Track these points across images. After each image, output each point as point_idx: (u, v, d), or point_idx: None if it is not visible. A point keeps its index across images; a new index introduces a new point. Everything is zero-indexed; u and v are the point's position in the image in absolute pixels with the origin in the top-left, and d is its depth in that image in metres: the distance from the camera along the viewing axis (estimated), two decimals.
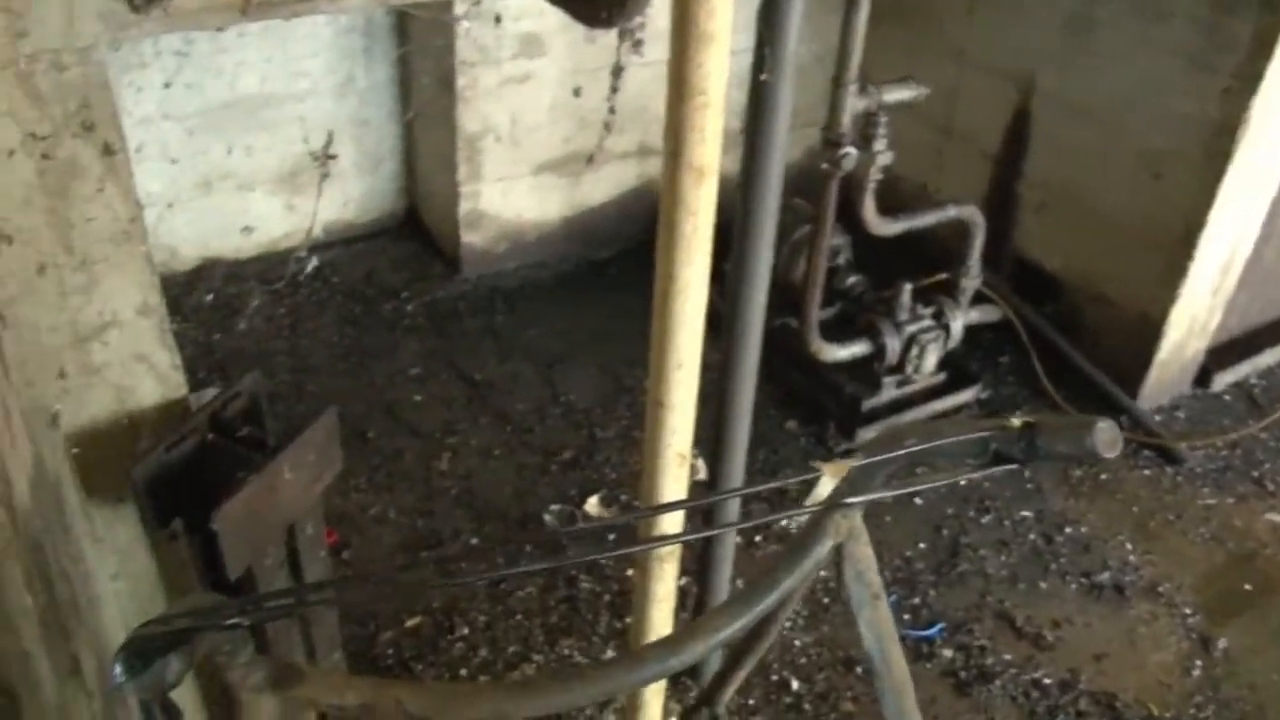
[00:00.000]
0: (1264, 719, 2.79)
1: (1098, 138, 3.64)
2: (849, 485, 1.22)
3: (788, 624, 2.87)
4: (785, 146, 1.88)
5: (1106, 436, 0.90)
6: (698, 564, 2.39)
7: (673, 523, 1.78)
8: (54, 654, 1.13)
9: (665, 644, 1.13)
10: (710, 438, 2.20)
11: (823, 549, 1.22)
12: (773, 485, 1.46)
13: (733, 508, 2.01)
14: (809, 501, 0.99)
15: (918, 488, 0.94)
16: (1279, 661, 2.94)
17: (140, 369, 1.89)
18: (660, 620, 1.91)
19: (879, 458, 1.03)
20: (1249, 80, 3.18)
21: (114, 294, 1.74)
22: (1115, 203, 3.62)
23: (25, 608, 1.04)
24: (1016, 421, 0.94)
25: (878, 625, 1.25)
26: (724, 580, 2.43)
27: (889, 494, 1.02)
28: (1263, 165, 3.37)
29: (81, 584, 1.63)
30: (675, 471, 1.71)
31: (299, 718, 1.85)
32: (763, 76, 1.79)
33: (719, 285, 1.83)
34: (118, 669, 0.75)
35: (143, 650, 0.75)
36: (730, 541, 2.08)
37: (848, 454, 3.34)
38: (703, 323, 1.58)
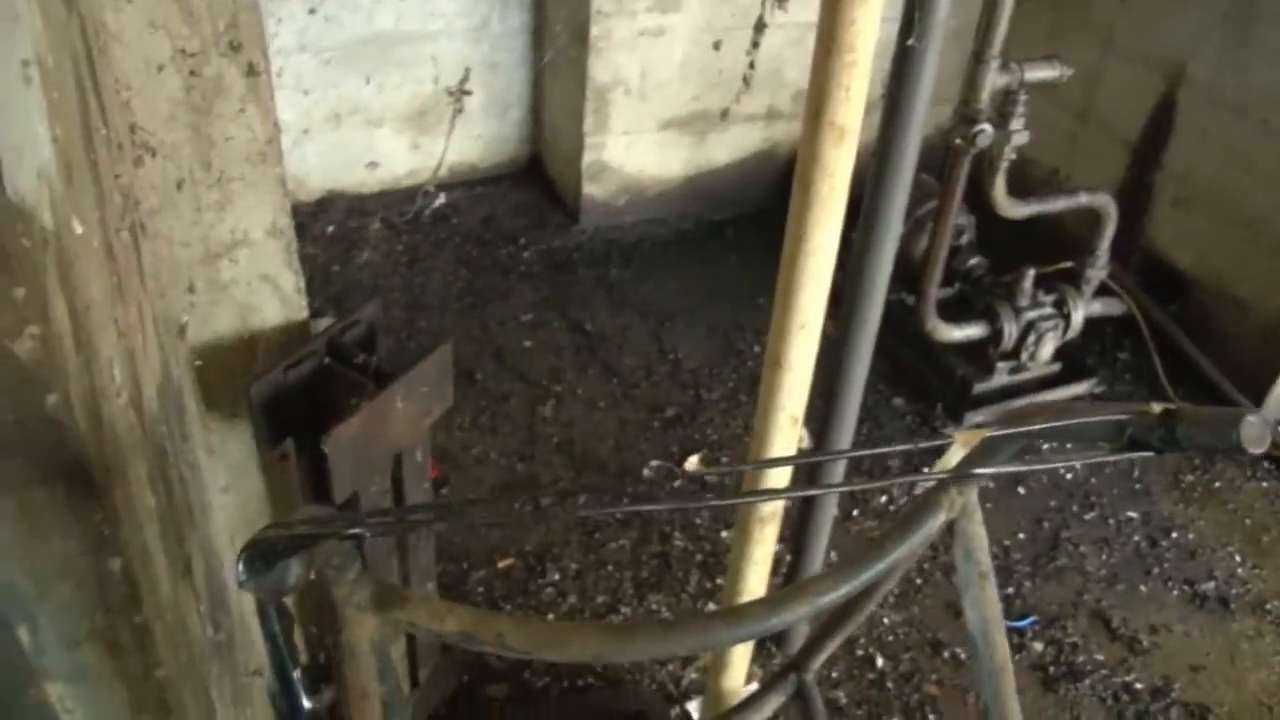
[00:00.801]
0: None
1: (1248, 134, 3.50)
2: (969, 460, 1.20)
3: (878, 608, 2.84)
4: (925, 117, 1.84)
5: (1255, 431, 0.86)
6: (794, 531, 2.37)
7: (778, 483, 1.77)
8: (170, 554, 1.16)
9: (767, 603, 1.12)
10: (819, 407, 2.18)
11: (935, 523, 1.20)
12: (895, 450, 1.44)
13: (837, 473, 1.98)
14: (937, 467, 0.97)
15: (1047, 466, 0.91)
16: None
17: (265, 289, 1.93)
18: (755, 583, 1.91)
19: (1012, 430, 1.00)
20: None
21: (246, 213, 1.77)
22: (1260, 203, 3.49)
23: (149, 507, 1.07)
24: (1157, 408, 0.90)
25: (983, 606, 1.22)
26: (820, 549, 2.40)
27: (1019, 468, 0.99)
28: None
29: (196, 492, 1.68)
30: (786, 434, 1.69)
31: (389, 641, 1.89)
32: (910, 41, 1.75)
33: (843, 254, 1.81)
34: (241, 568, 0.77)
35: (265, 552, 0.77)
36: (830, 509, 2.06)
37: (979, 426, 3.29)
38: (828, 286, 1.56)
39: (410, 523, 1.49)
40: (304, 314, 2.00)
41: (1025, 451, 1.03)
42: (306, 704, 0.99)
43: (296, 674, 0.98)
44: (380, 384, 1.86)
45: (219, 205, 1.75)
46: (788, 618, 1.13)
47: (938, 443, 0.96)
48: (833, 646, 1.64)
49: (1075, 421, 0.97)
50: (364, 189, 4.23)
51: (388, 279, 3.84)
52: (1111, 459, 0.94)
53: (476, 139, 4.32)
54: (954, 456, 0.97)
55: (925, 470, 1.06)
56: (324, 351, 1.90)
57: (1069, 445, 2.43)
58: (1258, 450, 0.86)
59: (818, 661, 1.68)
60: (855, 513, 3.07)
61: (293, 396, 1.84)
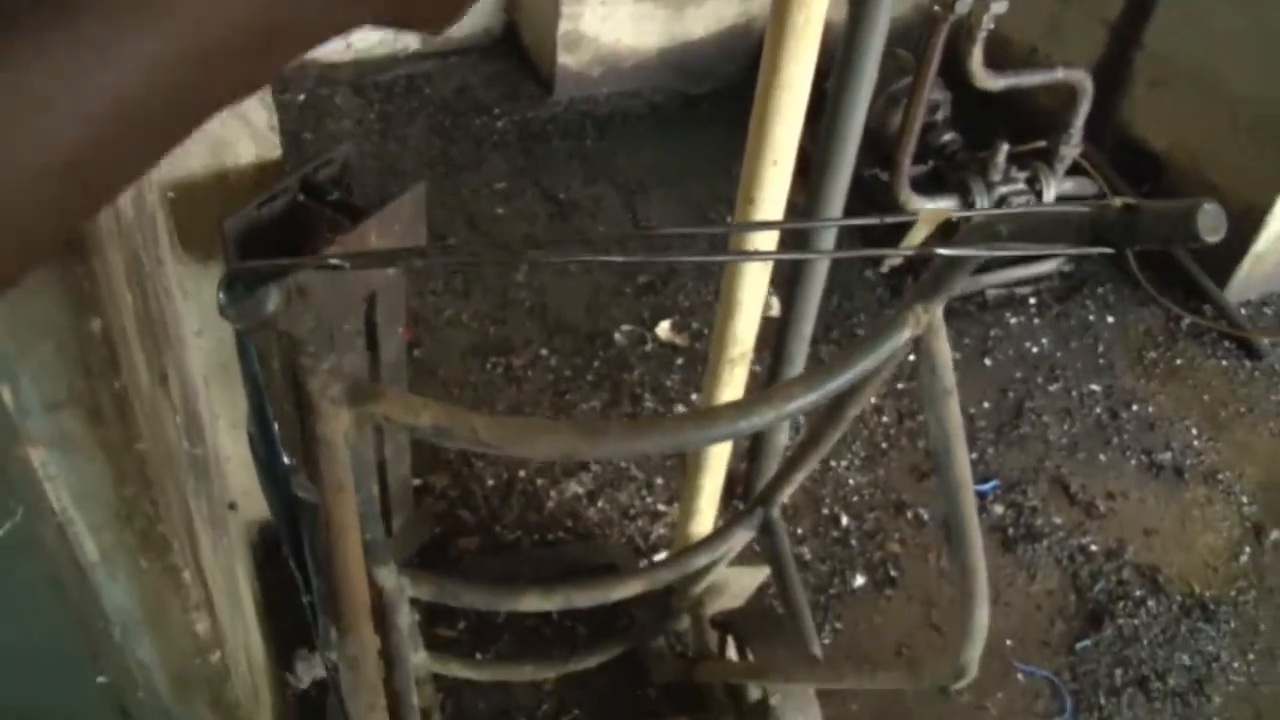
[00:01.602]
0: None
1: (1232, 16, 3.48)
2: (936, 276, 1.22)
3: (844, 463, 2.90)
4: None
5: (1211, 220, 0.89)
6: (772, 352, 2.34)
7: (749, 323, 1.79)
8: (147, 352, 1.18)
9: (737, 406, 1.14)
10: (788, 271, 2.19)
11: (900, 338, 1.23)
12: (863, 221, 1.46)
13: (817, 281, 1.96)
14: (904, 245, 0.99)
15: (1011, 251, 0.93)
16: None
17: (237, 125, 1.92)
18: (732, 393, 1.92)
19: (972, 214, 1.02)
20: None
21: None
22: (1241, 86, 3.49)
23: (126, 300, 1.08)
24: (1118, 202, 0.92)
25: (946, 420, 1.26)
26: (798, 368, 2.34)
27: (982, 251, 1.01)
28: None
29: (172, 319, 1.69)
30: (756, 275, 1.71)
31: (362, 439, 1.92)
32: None
33: (812, 127, 1.80)
34: (222, 295, 0.78)
35: (245, 278, 0.78)
36: (805, 333, 2.06)
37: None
38: (802, 123, 1.57)
39: (392, 255, 1.50)
40: (277, 152, 1.99)
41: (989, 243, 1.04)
42: (286, 459, 1.01)
43: (278, 428, 1.00)
44: (355, 221, 1.86)
45: None
46: (756, 421, 1.16)
47: (904, 218, 0.98)
48: (798, 481, 1.68)
49: (1039, 211, 0.99)
50: (336, 58, 4.17)
51: (360, 147, 3.80)
52: (1074, 253, 0.96)
53: None
54: (917, 235, 0.99)
55: (900, 248, 1.07)
56: (298, 188, 1.90)
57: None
58: (1214, 238, 0.88)
59: (783, 496, 1.72)
60: (832, 332, 3.11)
61: (266, 232, 1.85)
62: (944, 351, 1.24)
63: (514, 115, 4.03)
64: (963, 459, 1.25)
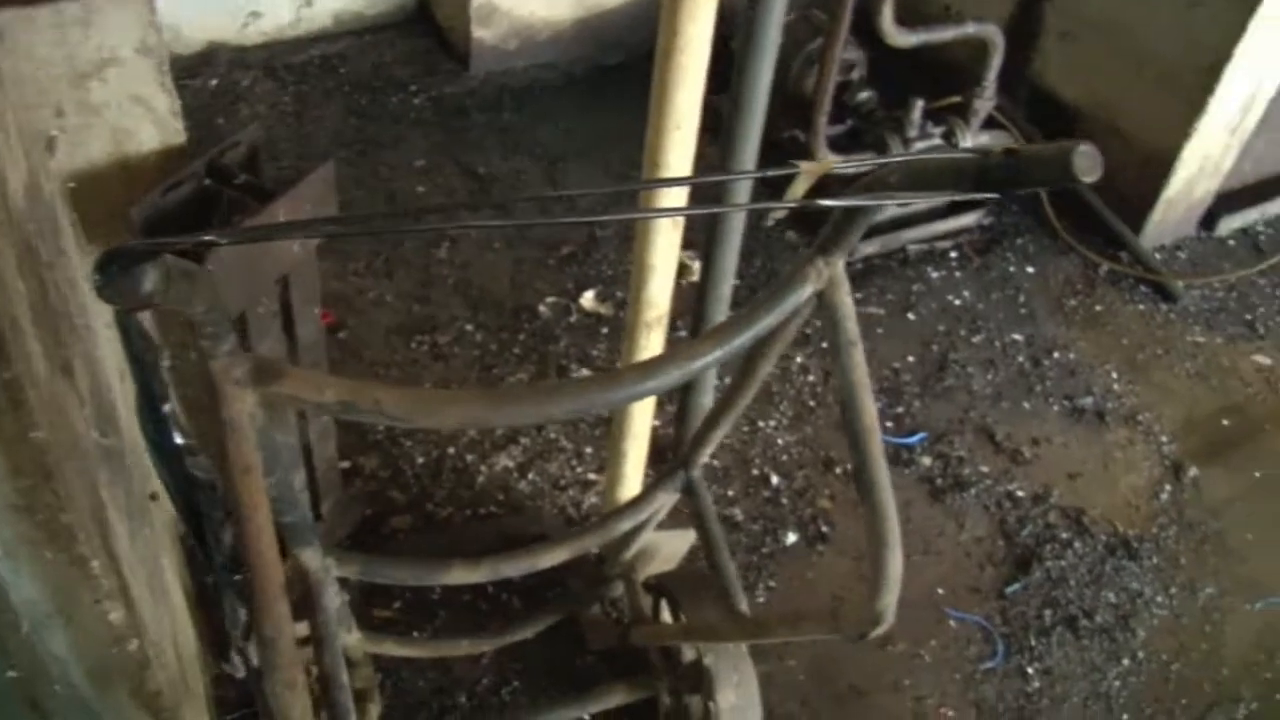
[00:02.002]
0: (1222, 542, 2.88)
1: None
2: (834, 229, 1.23)
3: (771, 423, 2.93)
4: None
5: (1086, 161, 0.90)
6: (696, 302, 2.34)
7: (663, 286, 1.80)
8: (44, 344, 1.16)
9: (641, 368, 1.15)
10: (706, 232, 2.20)
11: (803, 293, 1.24)
12: (745, 175, 1.47)
13: (731, 241, 1.97)
14: (787, 197, 0.99)
15: (895, 200, 0.94)
16: (1244, 491, 3.02)
17: (138, 111, 1.88)
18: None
19: (854, 161, 1.03)
20: None
21: (113, 30, 1.72)
22: (1145, 34, 3.54)
23: (18, 290, 1.06)
24: (999, 148, 0.94)
25: (851, 371, 1.28)
26: (723, 301, 2.33)
27: (867, 201, 1.02)
28: None
29: (78, 310, 1.66)
30: (668, 234, 1.72)
31: (279, 420, 1.91)
32: None
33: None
34: (96, 275, 0.77)
35: (121, 258, 0.77)
36: (725, 294, 2.07)
37: (845, 266, 3.36)
38: (702, 85, 1.57)
39: (266, 231, 1.47)
40: (181, 138, 1.96)
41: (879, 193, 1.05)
42: (179, 439, 1.01)
43: (168, 408, 0.99)
44: (263, 203, 1.84)
45: (82, 21, 1.69)
46: (663, 381, 1.17)
47: (785, 170, 0.99)
48: (716, 440, 1.69)
49: (926, 158, 1.00)
50: (247, 40, 4.10)
51: (275, 130, 3.75)
52: (960, 197, 0.97)
53: None
54: (799, 188, 1.00)
55: (784, 200, 1.08)
56: (204, 173, 1.88)
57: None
58: (1090, 178, 0.90)
59: (703, 457, 1.74)
60: None
61: (174, 218, 1.82)
62: (846, 304, 1.25)
63: (431, 91, 3.99)
64: (869, 409, 1.27)
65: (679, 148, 1.61)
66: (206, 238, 0.81)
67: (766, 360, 1.46)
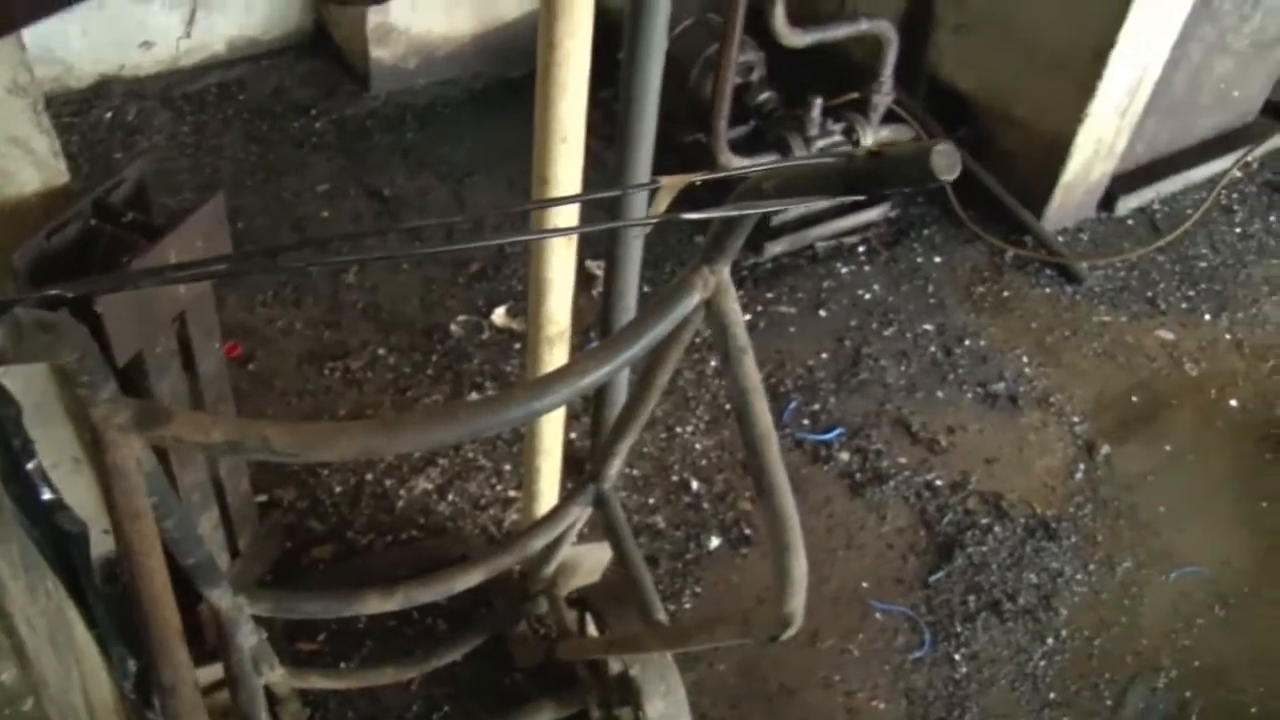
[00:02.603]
0: (1136, 516, 2.94)
1: None
2: (716, 238, 1.24)
3: (688, 429, 2.94)
4: None
5: (944, 160, 0.92)
6: (602, 314, 2.34)
7: (562, 300, 1.79)
8: None
9: (529, 388, 1.15)
10: (607, 244, 2.20)
11: (690, 302, 1.25)
12: (607, 195, 1.47)
13: (631, 254, 1.98)
14: (650, 212, 1.00)
15: (764, 209, 0.95)
16: (1155, 465, 3.09)
17: (16, 153, 1.84)
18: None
19: (716, 174, 1.04)
20: None
21: None
22: (1032, 23, 3.61)
23: None
24: (862, 152, 0.95)
25: (743, 378, 1.28)
26: (628, 312, 2.32)
27: (732, 211, 1.03)
28: None
29: None
30: (562, 253, 1.72)
31: (185, 460, 1.87)
32: None
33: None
34: None
35: None
36: (631, 278, 2.07)
37: (755, 266, 3.38)
38: (586, 96, 1.57)
39: (116, 279, 1.42)
40: (64, 179, 1.91)
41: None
42: (46, 494, 0.98)
43: (32, 465, 0.97)
44: (153, 241, 1.80)
45: None
46: (552, 400, 1.16)
47: (644, 186, 0.99)
48: (624, 452, 1.69)
49: (795, 165, 1.01)
50: (141, 71, 4.03)
51: (175, 161, 3.69)
52: (829, 202, 0.98)
53: (255, 12, 4.14)
54: (661, 202, 1.00)
55: (647, 216, 1.09)
56: (90, 213, 1.84)
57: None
58: (949, 176, 0.92)
59: (612, 469, 1.74)
60: None
61: (61, 262, 1.78)
62: (734, 310, 1.26)
63: (332, 114, 3.95)
64: (763, 414, 1.28)
65: (566, 160, 1.61)
66: (53, 290, 0.79)
67: (663, 369, 1.47)
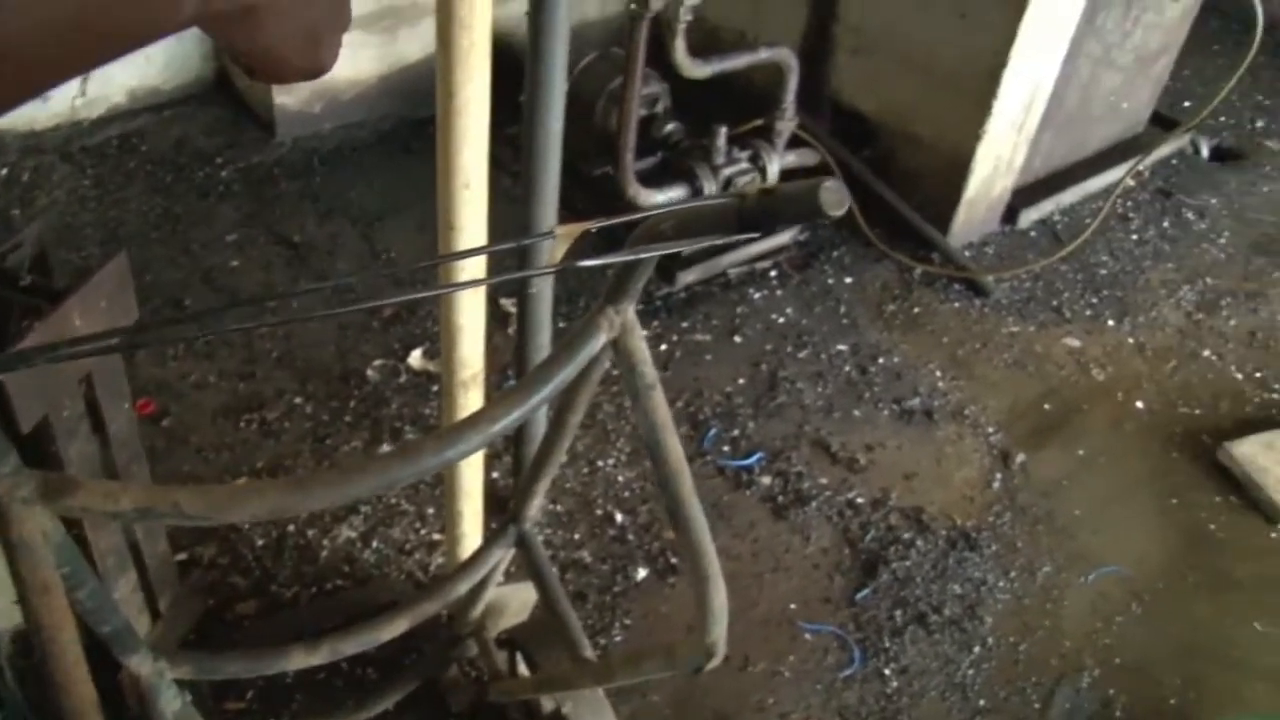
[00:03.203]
0: (1053, 521, 3.01)
1: None
2: (619, 282, 1.26)
3: (610, 461, 2.95)
4: None
5: (832, 196, 0.94)
6: (516, 355, 2.35)
7: (474, 344, 1.80)
8: None
9: (440, 437, 1.15)
10: (518, 285, 2.21)
11: (596, 343, 1.26)
12: (503, 248, 1.47)
13: (541, 296, 2.00)
14: (549, 260, 1.01)
15: (659, 251, 0.97)
16: (1069, 470, 3.17)
17: None
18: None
19: (611, 221, 1.06)
20: None
21: None
22: (926, 44, 3.70)
23: None
24: (754, 190, 0.98)
25: (653, 414, 1.30)
26: (542, 350, 2.33)
27: (627, 257, 1.05)
28: (1060, 6, 3.48)
29: None
30: (472, 299, 1.72)
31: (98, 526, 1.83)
32: None
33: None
34: None
35: None
36: (543, 320, 2.08)
37: (669, 296, 3.40)
38: (487, 142, 1.59)
39: (6, 361, 1.34)
40: None
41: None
42: None
43: None
44: (54, 304, 1.78)
45: None
46: (463, 448, 1.17)
47: (540, 237, 1.00)
48: (542, 491, 1.70)
49: (691, 206, 1.03)
50: (37, 124, 3.96)
51: (77, 217, 3.63)
52: (725, 240, 1.01)
53: (155, 62, 4.09)
54: (559, 251, 1.02)
55: (543, 266, 1.10)
56: None
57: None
58: (837, 212, 0.94)
59: (532, 509, 1.74)
60: None
61: None
62: (641, 349, 1.28)
63: (238, 162, 3.92)
64: (675, 449, 1.29)
65: (470, 206, 1.62)
66: None
67: (576, 410, 1.48)
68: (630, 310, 1.26)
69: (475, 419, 1.18)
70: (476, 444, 1.16)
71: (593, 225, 1.02)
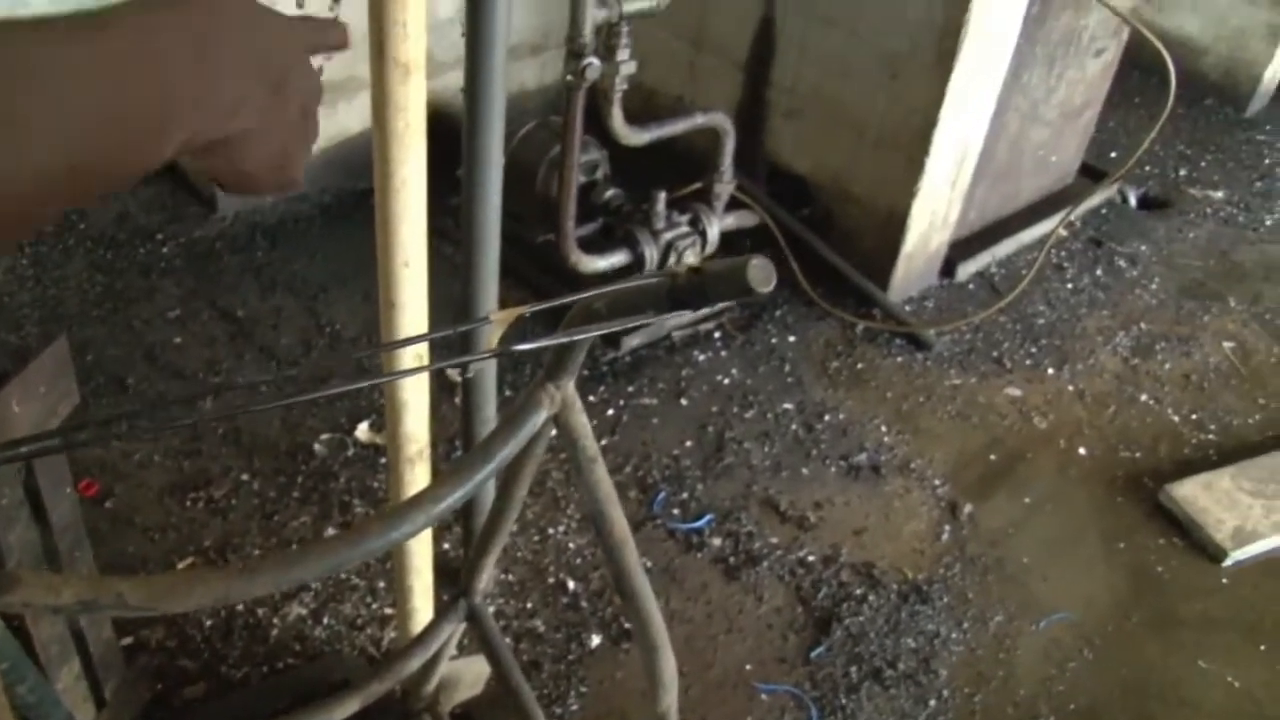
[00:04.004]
0: (1002, 570, 3.04)
1: (840, 42, 3.77)
2: (558, 359, 1.27)
3: (561, 529, 2.95)
4: (505, 44, 1.89)
5: (759, 274, 0.97)
6: (463, 429, 2.36)
7: (419, 420, 1.81)
8: None
9: (383, 519, 1.16)
10: (460, 337, 2.21)
11: (537, 419, 1.27)
12: (438, 334, 1.49)
13: (485, 373, 2.01)
14: (484, 347, 1.02)
15: (595, 333, 0.99)
16: (1016, 518, 3.21)
17: None
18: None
19: (545, 305, 1.08)
20: None
21: None
22: (858, 105, 3.78)
23: None
24: (683, 269, 1.00)
25: (596, 488, 1.31)
26: (489, 423, 2.35)
27: (560, 339, 1.07)
28: (986, 65, 3.57)
29: None
30: (416, 364, 1.73)
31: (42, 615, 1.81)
32: None
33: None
34: None
35: None
36: (488, 394, 2.09)
37: (614, 361, 3.42)
38: (425, 220, 1.60)
39: None
40: None
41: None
42: None
43: None
44: None
45: None
46: (408, 530, 1.17)
47: (477, 322, 1.02)
48: (490, 565, 1.70)
49: (624, 287, 1.05)
50: None
51: (15, 297, 3.60)
52: (657, 319, 1.03)
53: None
54: (494, 337, 1.03)
55: (479, 353, 1.12)
56: None
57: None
58: (765, 289, 0.97)
59: (481, 583, 1.74)
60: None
61: None
62: (582, 423, 1.29)
63: (179, 238, 3.91)
64: (619, 521, 1.31)
65: (411, 283, 1.64)
66: None
67: (520, 484, 1.49)
68: (570, 385, 1.28)
69: (418, 500, 1.18)
70: (420, 525, 1.17)
71: (527, 310, 1.04)
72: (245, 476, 3.01)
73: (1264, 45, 5.64)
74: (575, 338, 1.07)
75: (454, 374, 3.14)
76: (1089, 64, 4.15)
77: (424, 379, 1.74)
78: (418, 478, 1.88)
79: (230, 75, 0.68)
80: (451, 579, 2.56)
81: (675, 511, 3.05)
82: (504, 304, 3.54)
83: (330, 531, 2.87)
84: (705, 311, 3.71)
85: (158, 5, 0.65)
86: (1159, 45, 3.05)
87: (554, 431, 1.31)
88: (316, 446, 3.10)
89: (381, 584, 2.75)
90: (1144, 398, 3.74)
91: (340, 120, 4.13)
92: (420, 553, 2.05)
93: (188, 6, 0.66)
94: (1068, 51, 4.00)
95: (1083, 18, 3.94)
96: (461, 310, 2.15)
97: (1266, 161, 5.38)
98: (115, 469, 3.00)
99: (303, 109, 0.77)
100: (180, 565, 2.77)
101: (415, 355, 1.70)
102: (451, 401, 3.11)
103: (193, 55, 0.65)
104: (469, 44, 1.86)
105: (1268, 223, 4.88)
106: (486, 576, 1.73)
